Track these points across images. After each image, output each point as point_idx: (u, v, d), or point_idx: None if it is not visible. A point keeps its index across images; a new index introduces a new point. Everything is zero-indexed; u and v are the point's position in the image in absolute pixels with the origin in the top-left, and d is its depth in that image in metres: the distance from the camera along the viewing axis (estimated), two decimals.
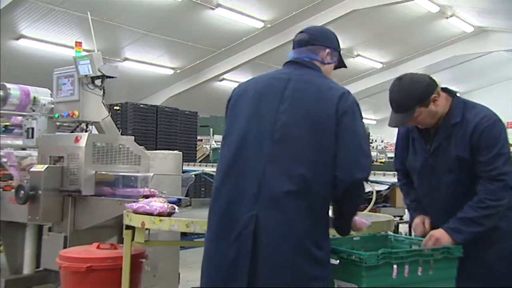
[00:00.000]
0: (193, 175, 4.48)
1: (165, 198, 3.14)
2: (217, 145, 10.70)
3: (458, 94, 2.56)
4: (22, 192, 3.79)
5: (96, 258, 3.13)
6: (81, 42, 4.37)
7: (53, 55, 11.43)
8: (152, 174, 3.70)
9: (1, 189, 4.25)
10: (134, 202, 2.93)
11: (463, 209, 2.39)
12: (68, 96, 4.22)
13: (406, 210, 5.82)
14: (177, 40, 12.91)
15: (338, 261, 2.14)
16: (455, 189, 2.47)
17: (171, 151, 4.62)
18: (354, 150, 2.00)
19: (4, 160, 4.43)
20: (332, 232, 2.31)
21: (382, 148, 16.57)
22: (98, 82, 4.16)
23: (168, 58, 14.12)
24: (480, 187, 2.39)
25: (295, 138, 1.98)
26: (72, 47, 4.90)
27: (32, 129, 4.48)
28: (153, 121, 8.78)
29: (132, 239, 2.89)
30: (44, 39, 11.50)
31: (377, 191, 4.33)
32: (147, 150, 4.40)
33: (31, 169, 3.91)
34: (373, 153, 14.67)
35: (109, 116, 4.34)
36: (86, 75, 4.09)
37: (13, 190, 3.94)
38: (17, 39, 11.31)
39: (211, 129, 11.20)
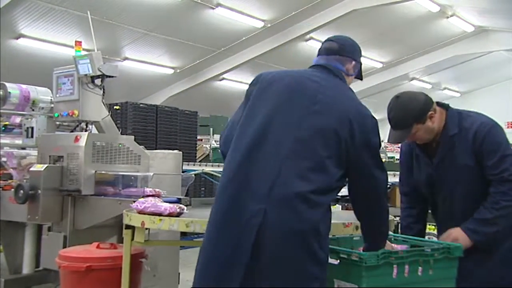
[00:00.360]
0: (193, 175, 4.49)
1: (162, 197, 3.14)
2: (217, 144, 10.69)
3: (451, 106, 2.66)
4: (22, 191, 3.78)
5: (95, 258, 3.12)
6: (81, 42, 4.36)
7: (53, 55, 11.43)
8: (152, 174, 3.70)
9: (0, 189, 4.24)
10: (139, 202, 2.89)
11: (479, 210, 2.49)
12: (68, 96, 4.21)
13: None
14: (177, 40, 12.91)
15: (338, 261, 2.14)
16: (467, 197, 2.56)
17: (171, 151, 4.62)
18: (368, 179, 2.09)
19: (4, 159, 4.43)
20: (332, 232, 2.31)
21: (382, 148, 16.57)
22: (98, 81, 4.16)
23: (168, 58, 14.11)
24: (492, 189, 2.48)
25: (317, 142, 1.99)
26: (72, 47, 4.90)
27: (32, 128, 4.48)
28: (153, 121, 8.78)
29: (132, 239, 2.88)
30: (44, 38, 11.50)
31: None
32: (147, 149, 4.40)
33: (31, 169, 3.91)
34: None
35: (109, 116, 4.34)
36: (86, 75, 4.09)
37: (12, 189, 3.93)
38: (17, 38, 11.31)
39: (211, 129, 11.20)
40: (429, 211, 2.84)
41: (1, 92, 4.62)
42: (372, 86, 18.05)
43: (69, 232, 3.77)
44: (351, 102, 2.11)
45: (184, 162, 6.28)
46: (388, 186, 6.25)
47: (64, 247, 3.65)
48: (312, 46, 14.09)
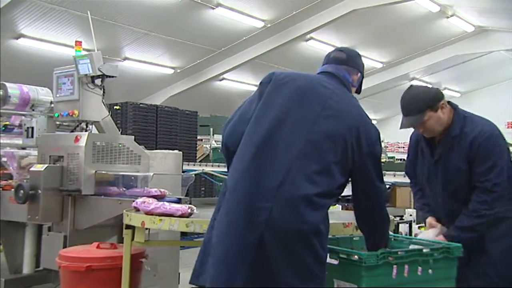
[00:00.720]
0: (193, 175, 4.48)
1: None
2: (217, 144, 10.70)
3: (459, 107, 2.78)
4: (22, 191, 3.78)
5: (96, 258, 3.12)
6: (81, 41, 4.36)
7: (53, 55, 11.42)
8: (152, 174, 3.70)
9: (0, 189, 4.24)
10: (146, 203, 2.88)
11: (460, 217, 2.61)
12: (68, 96, 4.21)
13: (407, 210, 5.83)
14: (177, 40, 12.90)
15: (337, 261, 2.14)
16: (455, 196, 2.67)
17: (171, 151, 4.62)
18: (370, 190, 2.16)
19: (4, 159, 4.43)
20: (332, 232, 2.32)
21: (383, 148, 16.58)
22: (98, 81, 4.16)
23: (168, 58, 14.10)
24: (474, 197, 2.58)
25: (326, 146, 2.03)
26: (72, 47, 4.90)
27: (32, 128, 4.48)
28: (153, 121, 8.78)
29: (132, 239, 2.88)
30: (44, 38, 11.49)
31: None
32: (147, 149, 4.40)
33: (31, 169, 3.91)
34: None
35: (109, 116, 4.34)
36: (86, 75, 4.09)
37: (12, 189, 3.93)
38: (17, 38, 11.30)
39: (211, 129, 11.19)
40: None
41: (1, 92, 4.63)
42: (372, 86, 18.03)
43: (69, 232, 3.77)
44: (359, 111, 2.17)
45: (184, 162, 6.28)
46: (388, 186, 6.29)
47: (64, 247, 3.65)
48: (312, 46, 14.08)
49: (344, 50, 2.37)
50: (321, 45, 14.07)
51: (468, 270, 2.51)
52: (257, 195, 1.96)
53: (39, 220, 3.81)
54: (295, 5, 12.25)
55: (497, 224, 2.62)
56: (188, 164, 8.68)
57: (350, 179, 2.14)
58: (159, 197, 3.29)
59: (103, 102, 4.25)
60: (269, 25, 12.90)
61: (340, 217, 2.81)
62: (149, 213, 2.72)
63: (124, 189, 3.71)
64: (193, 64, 14.60)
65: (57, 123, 4.57)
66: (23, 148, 4.64)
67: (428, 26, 14.62)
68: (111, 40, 12.00)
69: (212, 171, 8.34)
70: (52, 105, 4.55)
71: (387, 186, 6.17)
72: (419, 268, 2.16)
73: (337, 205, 5.91)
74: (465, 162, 2.61)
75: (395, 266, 2.10)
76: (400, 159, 14.38)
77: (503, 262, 2.60)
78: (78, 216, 3.81)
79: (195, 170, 8.23)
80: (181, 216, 2.64)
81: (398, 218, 5.70)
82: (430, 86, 2.80)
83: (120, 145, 4.00)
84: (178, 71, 14.83)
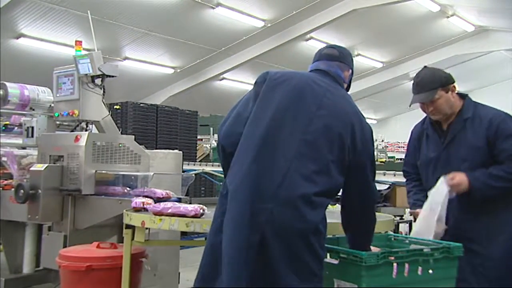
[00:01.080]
0: (193, 175, 4.48)
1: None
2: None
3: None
4: (22, 191, 3.78)
5: (96, 258, 3.12)
6: (81, 41, 4.36)
7: (53, 54, 11.43)
8: (152, 174, 3.70)
9: (0, 188, 4.24)
10: (155, 203, 2.85)
11: (492, 166, 2.63)
12: (68, 95, 4.21)
13: (407, 210, 5.82)
14: (178, 39, 12.91)
15: (337, 260, 2.14)
16: None
17: (171, 151, 4.62)
18: (363, 189, 2.17)
19: (4, 159, 4.42)
20: (332, 232, 2.32)
21: (383, 148, 16.57)
22: (98, 81, 4.15)
23: (168, 57, 14.11)
24: (507, 163, 2.61)
25: (323, 145, 2.04)
26: (72, 46, 4.90)
27: (32, 128, 4.48)
28: (153, 121, 8.78)
29: (132, 238, 2.88)
30: (44, 38, 11.49)
31: (377, 191, 4.34)
32: (147, 149, 4.40)
33: (31, 168, 3.90)
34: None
35: (109, 115, 4.34)
36: (86, 74, 4.08)
37: (12, 189, 3.93)
38: (17, 38, 11.31)
39: (211, 129, 11.19)
40: None
41: (1, 92, 4.62)
42: (372, 86, 18.05)
43: (69, 231, 3.77)
44: (353, 108, 2.17)
45: (184, 162, 6.28)
46: (388, 186, 6.28)
47: (64, 246, 3.65)
48: (313, 46, 14.08)
49: (335, 47, 2.38)
50: (321, 45, 13.69)
51: (468, 271, 2.50)
52: (258, 196, 1.96)
53: (39, 220, 3.81)
54: (295, 5, 12.25)
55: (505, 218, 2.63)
56: (188, 164, 8.68)
57: None
58: (164, 199, 3.26)
59: (103, 102, 4.25)
60: (269, 25, 12.90)
61: (340, 217, 2.80)
62: (158, 213, 2.69)
63: (128, 189, 3.69)
64: (193, 64, 14.61)
65: (57, 122, 4.57)
66: (23, 148, 4.64)
67: (428, 25, 14.63)
68: (111, 40, 12.00)
69: (212, 170, 8.34)
70: (52, 104, 4.54)
71: (387, 186, 6.17)
72: (420, 268, 2.16)
73: (337, 204, 5.90)
74: (483, 141, 2.65)
75: (395, 265, 2.10)
76: (400, 159, 14.38)
77: (505, 264, 2.58)
78: (78, 215, 3.81)
79: (195, 170, 8.23)
80: (194, 216, 2.61)
81: (398, 218, 5.69)
82: None
83: (120, 145, 4.00)
84: (178, 70, 14.83)
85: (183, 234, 5.38)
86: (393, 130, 22.30)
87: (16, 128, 4.85)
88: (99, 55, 4.10)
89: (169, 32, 12.51)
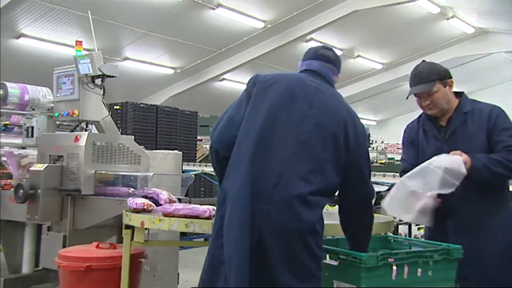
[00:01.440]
0: (193, 175, 4.48)
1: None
2: None
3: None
4: (21, 191, 3.78)
5: (95, 258, 3.12)
6: (81, 41, 4.36)
7: (53, 54, 11.42)
8: (152, 174, 3.70)
9: (0, 188, 4.24)
10: (166, 204, 2.84)
11: (491, 156, 2.62)
12: (68, 95, 4.21)
13: None
14: (178, 40, 12.91)
15: (337, 261, 2.14)
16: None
17: (171, 151, 4.62)
18: (364, 181, 2.18)
19: (4, 159, 4.42)
20: (332, 233, 2.32)
21: (382, 149, 16.56)
22: (98, 81, 4.16)
23: (168, 58, 14.10)
24: (504, 153, 2.60)
25: (317, 144, 2.05)
26: (72, 46, 4.90)
27: (32, 128, 4.48)
28: (153, 121, 8.77)
29: (132, 239, 2.88)
30: (44, 38, 11.48)
31: (377, 192, 4.34)
32: (147, 149, 4.40)
33: (31, 168, 3.91)
34: (373, 154, 14.67)
35: (109, 116, 4.34)
36: (86, 74, 4.09)
37: (12, 189, 3.93)
38: (17, 38, 11.30)
39: (211, 129, 11.16)
40: None
41: (1, 92, 4.63)
42: (372, 87, 18.04)
43: (69, 231, 3.77)
44: (344, 106, 2.19)
45: (184, 162, 6.28)
46: (389, 187, 6.27)
47: (64, 246, 3.65)
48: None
49: (331, 49, 2.39)
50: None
51: (468, 273, 2.49)
52: (255, 199, 1.97)
53: (39, 220, 3.81)
54: (296, 6, 12.25)
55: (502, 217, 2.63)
56: (188, 164, 8.68)
57: None
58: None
59: (103, 102, 4.25)
60: (269, 26, 12.90)
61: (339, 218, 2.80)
62: (169, 215, 2.67)
63: (133, 189, 3.67)
64: (193, 65, 14.60)
65: (57, 122, 4.57)
66: (23, 148, 4.64)
67: (428, 27, 14.63)
68: (111, 40, 12.00)
69: (212, 171, 8.33)
70: (52, 104, 4.54)
71: (387, 187, 6.17)
72: (419, 269, 2.16)
73: (336, 206, 5.90)
74: (483, 133, 2.66)
75: (394, 267, 2.10)
76: (400, 160, 14.37)
77: (506, 266, 2.57)
78: (77, 216, 3.81)
79: (194, 170, 8.23)
80: (208, 218, 2.59)
81: (397, 219, 5.69)
82: None
83: (120, 145, 4.00)
84: (178, 71, 14.83)
85: (182, 234, 5.38)
86: (393, 131, 22.26)
87: (16, 128, 4.85)
88: (99, 55, 4.11)
89: (169, 33, 12.51)
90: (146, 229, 2.83)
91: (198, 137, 10.15)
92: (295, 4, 12.18)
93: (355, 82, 17.89)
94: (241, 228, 1.98)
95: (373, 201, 3.75)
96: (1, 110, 4.68)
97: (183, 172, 5.77)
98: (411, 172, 2.59)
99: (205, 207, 2.65)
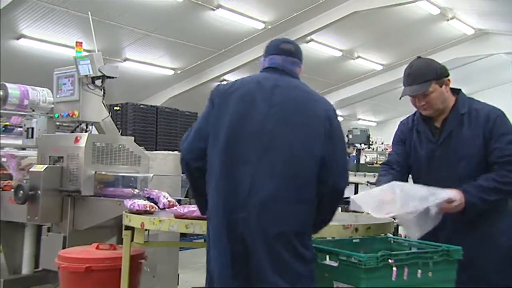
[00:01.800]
0: None
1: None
2: None
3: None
4: (21, 192, 3.78)
5: (95, 259, 3.12)
6: (81, 42, 4.37)
7: (53, 55, 11.42)
8: (152, 175, 3.70)
9: (0, 189, 4.24)
10: (177, 206, 2.83)
11: (482, 176, 2.46)
12: (68, 96, 4.22)
13: None
14: (178, 41, 12.91)
15: (337, 263, 2.14)
16: (465, 178, 2.50)
17: (171, 152, 4.63)
18: (342, 165, 2.15)
19: (4, 160, 4.43)
20: (332, 234, 2.32)
21: (382, 150, 16.53)
22: (98, 82, 4.16)
23: (168, 59, 14.11)
24: (498, 169, 2.45)
25: (284, 143, 2.04)
26: (72, 47, 4.90)
27: (32, 129, 4.49)
28: (153, 122, 8.77)
29: (132, 240, 2.88)
30: (44, 39, 11.48)
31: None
32: (147, 150, 4.41)
33: (31, 169, 3.91)
34: (373, 155, 14.67)
35: (109, 117, 4.35)
36: (86, 75, 4.09)
37: (12, 190, 3.93)
38: (18, 38, 11.30)
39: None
40: None
41: (1, 93, 4.63)
42: (372, 88, 18.02)
43: (69, 232, 3.77)
44: (308, 94, 2.17)
45: None
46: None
47: (64, 247, 3.65)
48: (313, 48, 14.08)
49: (292, 42, 2.39)
50: (321, 47, 14.07)
51: (468, 275, 2.47)
52: (233, 208, 1.99)
53: (39, 221, 3.81)
54: (296, 7, 12.25)
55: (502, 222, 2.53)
56: None
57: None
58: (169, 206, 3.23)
59: (103, 103, 4.25)
60: (269, 27, 12.90)
61: (339, 219, 2.80)
62: (181, 216, 2.66)
63: (137, 190, 3.67)
64: (194, 65, 14.61)
65: (57, 123, 4.57)
66: (23, 149, 4.64)
67: (429, 28, 14.63)
68: (111, 41, 12.00)
69: None
70: (52, 105, 4.54)
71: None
72: (419, 270, 2.16)
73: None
74: (480, 136, 2.50)
75: (394, 268, 2.10)
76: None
77: (507, 269, 2.52)
78: (77, 216, 3.81)
79: None
80: None
81: (397, 220, 5.69)
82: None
83: (120, 146, 4.01)
84: (179, 72, 14.83)
85: (182, 235, 5.38)
86: (393, 132, 22.11)
87: (16, 129, 4.85)
88: (100, 56, 4.11)
89: (169, 34, 12.51)
90: (146, 230, 2.82)
91: None
92: (295, 5, 12.18)
93: (355, 83, 17.90)
94: (218, 242, 2.02)
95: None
96: (1, 111, 4.68)
97: (183, 173, 5.77)
98: (411, 186, 2.51)
99: None
